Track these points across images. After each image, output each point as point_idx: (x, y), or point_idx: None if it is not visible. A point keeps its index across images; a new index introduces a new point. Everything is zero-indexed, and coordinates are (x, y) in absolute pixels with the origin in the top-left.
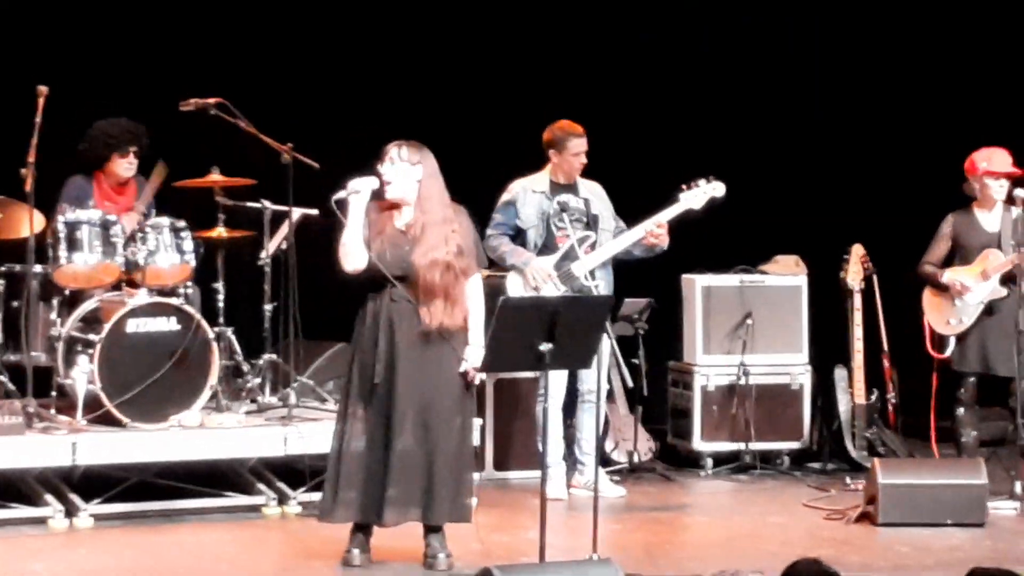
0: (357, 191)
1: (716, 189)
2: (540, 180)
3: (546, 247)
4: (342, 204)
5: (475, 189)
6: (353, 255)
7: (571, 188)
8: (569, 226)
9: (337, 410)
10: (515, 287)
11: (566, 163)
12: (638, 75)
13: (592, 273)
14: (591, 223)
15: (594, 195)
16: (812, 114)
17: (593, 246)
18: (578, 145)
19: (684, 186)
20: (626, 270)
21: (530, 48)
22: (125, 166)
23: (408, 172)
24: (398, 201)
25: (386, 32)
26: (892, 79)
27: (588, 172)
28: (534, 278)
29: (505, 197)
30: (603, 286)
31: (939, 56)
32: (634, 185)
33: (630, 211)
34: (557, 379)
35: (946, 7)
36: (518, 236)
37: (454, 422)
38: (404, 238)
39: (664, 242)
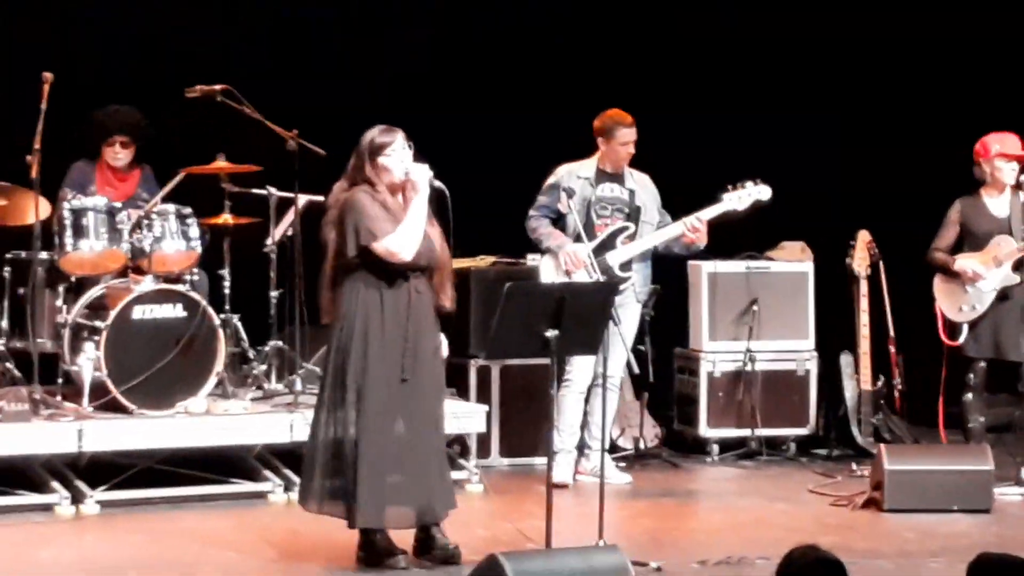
0: (430, 177)
1: (762, 192)
2: (587, 166)
3: (585, 234)
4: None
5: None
6: (418, 244)
7: (617, 177)
8: (610, 216)
9: (343, 402)
10: (547, 270)
11: (613, 152)
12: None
13: (628, 264)
14: (632, 215)
15: (641, 186)
16: (817, 102)
17: (632, 237)
18: (626, 135)
19: (729, 186)
20: None
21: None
22: (112, 155)
23: (410, 157)
24: (408, 188)
25: (399, 16)
26: (899, 66)
27: (641, 163)
28: (567, 263)
29: (550, 180)
30: (639, 279)
31: (946, 43)
32: (683, 180)
33: (679, 205)
34: (582, 365)
35: None
36: (559, 220)
37: (444, 409)
38: None
39: (702, 241)
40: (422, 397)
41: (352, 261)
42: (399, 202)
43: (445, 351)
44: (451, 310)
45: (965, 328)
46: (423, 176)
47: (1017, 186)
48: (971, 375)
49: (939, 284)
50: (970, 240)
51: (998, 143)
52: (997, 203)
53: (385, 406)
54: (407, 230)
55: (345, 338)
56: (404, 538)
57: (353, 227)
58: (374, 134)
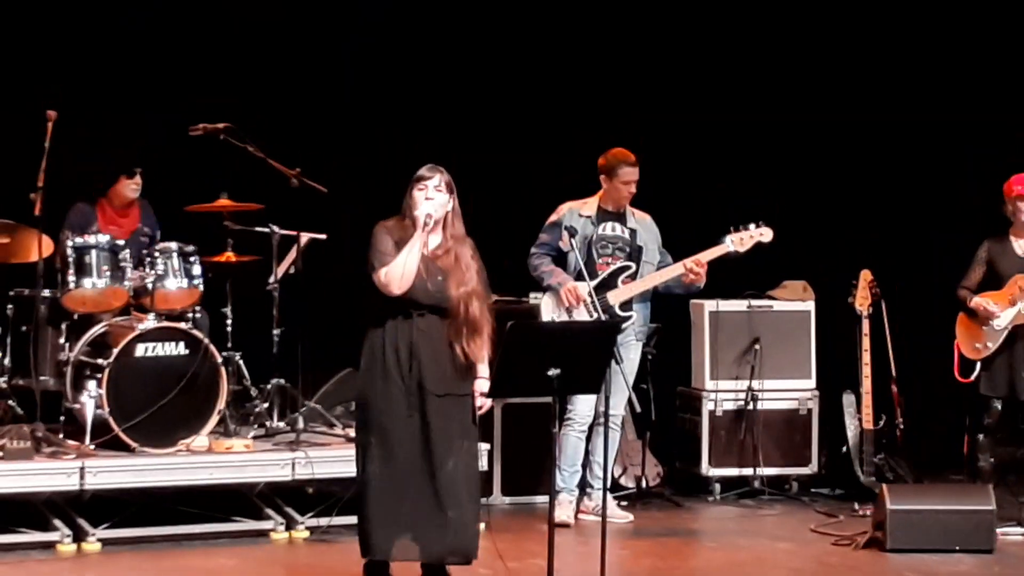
0: (434, 213)
1: (764, 235)
2: (589, 205)
3: (587, 272)
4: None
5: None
6: (408, 278)
7: (619, 216)
8: (611, 254)
9: (358, 441)
10: (548, 308)
11: (615, 190)
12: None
13: (628, 304)
14: (633, 254)
15: (642, 226)
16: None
17: (633, 277)
18: (628, 174)
19: (732, 228)
20: None
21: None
22: (133, 188)
23: (443, 199)
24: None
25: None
26: (905, 106)
27: (644, 203)
28: (568, 299)
29: (552, 218)
30: (638, 319)
31: (957, 79)
32: (687, 219)
33: (681, 245)
34: (584, 404)
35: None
36: (561, 258)
37: (472, 449)
38: (435, 266)
39: (701, 281)
40: (430, 436)
41: (367, 295)
42: None
43: (481, 400)
44: (476, 361)
45: (978, 366)
46: (422, 212)
47: None
48: (986, 415)
49: (961, 322)
50: (995, 279)
51: (1019, 184)
52: (1022, 244)
53: (391, 443)
54: (396, 263)
55: (360, 375)
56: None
57: (368, 258)
58: (422, 168)
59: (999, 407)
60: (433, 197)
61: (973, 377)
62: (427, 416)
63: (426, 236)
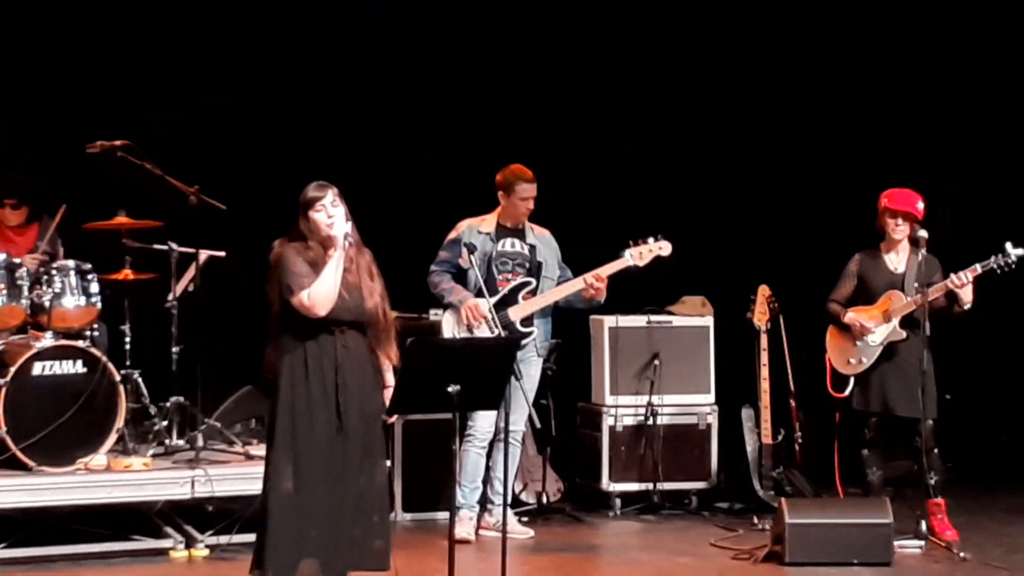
0: (348, 232)
1: (663, 248)
2: (488, 222)
3: (487, 289)
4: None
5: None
6: (332, 298)
7: (518, 232)
8: (511, 271)
9: (269, 458)
10: (449, 325)
11: (513, 207)
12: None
13: (529, 320)
14: (533, 270)
15: (541, 242)
16: (716, 156)
17: (533, 293)
18: (526, 190)
19: (631, 242)
20: None
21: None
22: (3, 216)
23: (343, 212)
24: (332, 244)
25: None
26: (799, 122)
27: (542, 218)
28: (469, 316)
29: (451, 236)
30: (540, 335)
31: (849, 95)
32: (586, 233)
33: (580, 260)
34: (485, 420)
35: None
36: (461, 276)
37: (384, 466)
38: (346, 281)
39: (602, 296)
40: (349, 453)
41: (280, 316)
42: (323, 257)
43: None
44: (394, 363)
45: (852, 381)
46: (339, 232)
47: (915, 242)
48: (866, 430)
49: (831, 336)
50: (867, 294)
51: (887, 198)
52: (895, 259)
53: (311, 460)
54: (320, 285)
55: (277, 394)
56: None
57: (278, 282)
58: (308, 189)
59: (876, 421)
60: (334, 214)
61: (847, 392)
62: (348, 430)
63: (345, 254)
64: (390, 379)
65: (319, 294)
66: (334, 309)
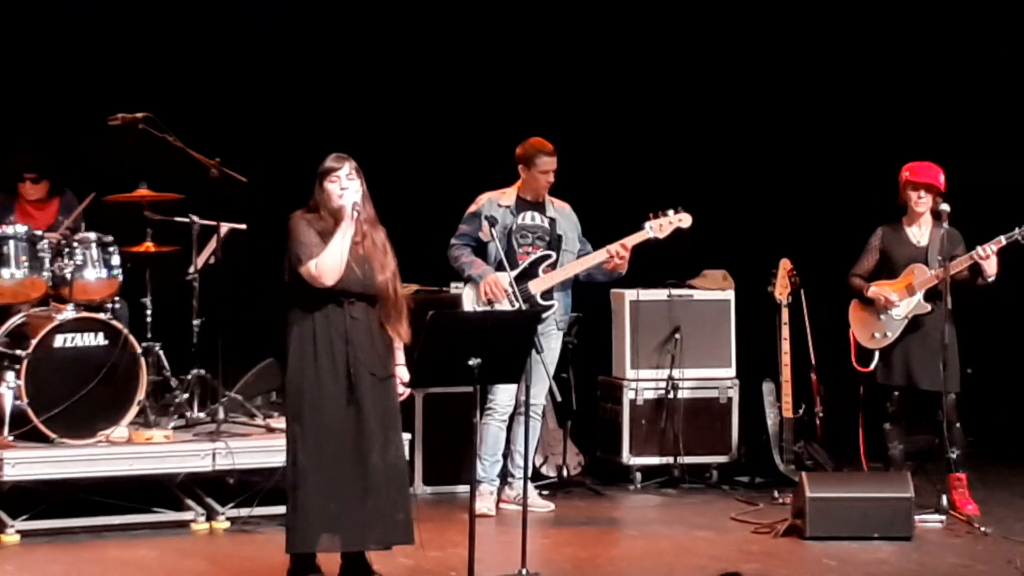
0: (356, 203)
1: (683, 220)
2: (508, 195)
3: (507, 262)
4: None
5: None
6: (340, 268)
7: (538, 206)
8: (531, 244)
9: (288, 430)
10: (469, 299)
11: (533, 180)
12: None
13: (550, 293)
14: (553, 243)
15: (562, 215)
16: (739, 131)
17: (554, 266)
18: (546, 163)
19: (651, 214)
20: None
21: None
22: (26, 191)
23: (358, 186)
24: (342, 215)
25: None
26: (820, 94)
27: (562, 191)
28: (488, 291)
29: (472, 209)
30: (560, 308)
31: (877, 68)
32: (606, 207)
33: (600, 233)
34: (505, 393)
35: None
36: (481, 249)
37: (400, 439)
38: (357, 253)
39: (623, 268)
40: (363, 424)
41: (289, 287)
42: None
43: (402, 386)
44: (406, 341)
45: (876, 355)
46: (348, 202)
47: (937, 216)
48: (888, 404)
49: (854, 310)
50: (889, 267)
51: (908, 171)
52: (918, 232)
53: (323, 433)
54: (327, 254)
55: (288, 366)
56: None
57: (288, 252)
58: (326, 160)
59: (899, 395)
60: (348, 186)
61: (872, 366)
62: (361, 401)
63: (355, 225)
64: (400, 357)
65: (326, 264)
66: (342, 280)
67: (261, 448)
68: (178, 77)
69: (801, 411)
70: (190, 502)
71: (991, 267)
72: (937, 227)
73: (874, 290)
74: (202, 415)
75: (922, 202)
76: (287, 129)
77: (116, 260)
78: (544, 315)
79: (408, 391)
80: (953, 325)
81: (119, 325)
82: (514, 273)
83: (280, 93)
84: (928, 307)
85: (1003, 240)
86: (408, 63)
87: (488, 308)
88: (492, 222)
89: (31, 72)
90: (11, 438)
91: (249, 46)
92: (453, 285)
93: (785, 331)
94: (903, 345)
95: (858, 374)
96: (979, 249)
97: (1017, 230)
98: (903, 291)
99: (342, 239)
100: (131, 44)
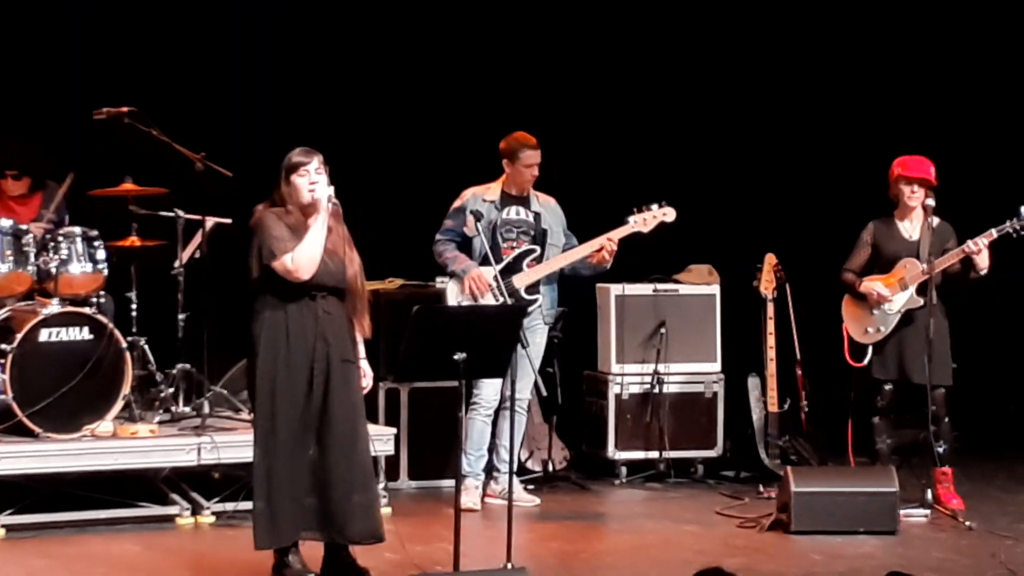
0: (331, 195)
1: (667, 215)
2: (492, 190)
3: (492, 256)
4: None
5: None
6: (315, 262)
7: (523, 200)
8: (516, 239)
9: (258, 426)
10: (452, 294)
11: (518, 174)
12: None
13: (535, 287)
14: (538, 237)
15: (547, 209)
16: (724, 124)
17: (538, 260)
18: (530, 157)
19: (635, 209)
20: None
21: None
22: (6, 187)
23: (326, 180)
24: (314, 208)
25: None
26: (805, 89)
27: (546, 185)
28: (472, 287)
29: (456, 204)
30: (546, 302)
31: (863, 63)
32: (591, 202)
33: (584, 227)
34: (490, 388)
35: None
36: (466, 244)
37: (366, 434)
38: (326, 248)
39: (609, 262)
40: (334, 419)
41: (259, 281)
42: (305, 224)
43: (368, 381)
44: (367, 336)
45: (870, 350)
46: (323, 195)
47: (927, 210)
48: (879, 398)
49: (847, 305)
50: (880, 262)
51: (900, 165)
52: (909, 226)
53: (294, 428)
54: (304, 248)
55: (257, 361)
56: (315, 559)
57: (257, 247)
58: (292, 154)
59: (890, 389)
60: (317, 180)
61: (866, 361)
62: (332, 396)
63: (329, 219)
64: (361, 351)
65: (303, 258)
66: (317, 274)
67: (246, 442)
68: (178, 77)
69: (786, 405)
70: (175, 496)
71: (983, 261)
72: (927, 221)
73: (866, 285)
74: (187, 409)
75: (915, 196)
76: (287, 129)
77: (101, 254)
78: (529, 309)
79: (370, 384)
80: (946, 319)
81: (104, 319)
82: (499, 267)
83: (280, 93)
84: (921, 301)
85: (994, 233)
86: (391, 59)
87: (472, 303)
88: (478, 216)
89: (31, 72)
90: None
91: (249, 46)
92: (438, 280)
93: (771, 326)
94: (896, 339)
95: (846, 368)
96: (970, 243)
97: (1008, 223)
98: (895, 286)
99: (319, 232)
100: (131, 44)
